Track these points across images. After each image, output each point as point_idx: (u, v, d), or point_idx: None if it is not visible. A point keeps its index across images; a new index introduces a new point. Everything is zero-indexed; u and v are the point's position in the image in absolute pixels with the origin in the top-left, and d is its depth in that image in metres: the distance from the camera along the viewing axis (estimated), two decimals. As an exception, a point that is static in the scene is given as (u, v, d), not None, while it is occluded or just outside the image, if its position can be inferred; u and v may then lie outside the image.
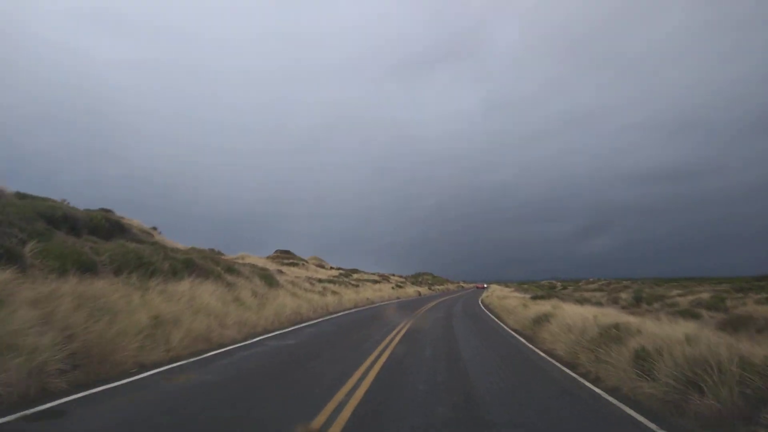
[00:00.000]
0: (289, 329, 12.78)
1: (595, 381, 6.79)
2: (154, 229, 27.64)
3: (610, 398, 5.85)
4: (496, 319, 18.87)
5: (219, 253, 34.41)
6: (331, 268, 55.24)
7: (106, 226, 14.24)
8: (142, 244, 13.32)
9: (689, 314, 23.51)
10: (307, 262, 49.91)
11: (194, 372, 6.60)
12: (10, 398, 4.54)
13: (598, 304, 25.19)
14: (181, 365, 6.97)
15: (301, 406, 5.05)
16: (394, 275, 70.26)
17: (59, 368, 5.21)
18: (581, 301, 25.62)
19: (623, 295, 33.73)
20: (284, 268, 33.80)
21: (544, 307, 16.52)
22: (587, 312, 11.77)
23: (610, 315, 11.23)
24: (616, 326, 7.90)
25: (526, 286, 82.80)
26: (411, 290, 50.82)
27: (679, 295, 31.32)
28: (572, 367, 7.83)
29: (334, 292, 24.27)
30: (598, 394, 6.08)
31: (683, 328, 6.86)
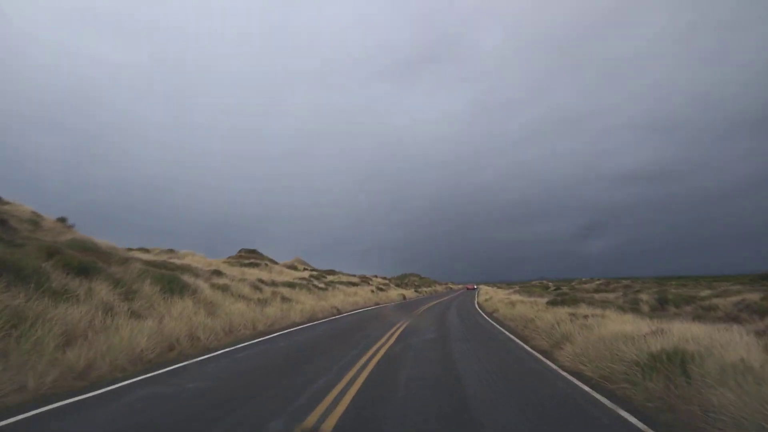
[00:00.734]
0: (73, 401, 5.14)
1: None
2: (63, 220, 21.27)
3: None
4: (536, 353, 9.45)
5: (146, 251, 27.93)
6: (305, 269, 48.97)
7: None
8: None
9: (736, 320, 18.34)
10: (275, 263, 43.51)
11: None
12: None
13: (620, 309, 19.86)
14: None
15: None
16: (376, 276, 64.05)
17: None
18: (603, 306, 20.15)
19: (644, 297, 28.30)
20: (237, 270, 27.53)
21: (586, 319, 10.87)
22: (642, 326, 8.45)
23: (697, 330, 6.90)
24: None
25: (517, 287, 77.46)
26: (394, 293, 44.63)
27: (714, 296, 26.06)
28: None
29: (285, 299, 18.11)
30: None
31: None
